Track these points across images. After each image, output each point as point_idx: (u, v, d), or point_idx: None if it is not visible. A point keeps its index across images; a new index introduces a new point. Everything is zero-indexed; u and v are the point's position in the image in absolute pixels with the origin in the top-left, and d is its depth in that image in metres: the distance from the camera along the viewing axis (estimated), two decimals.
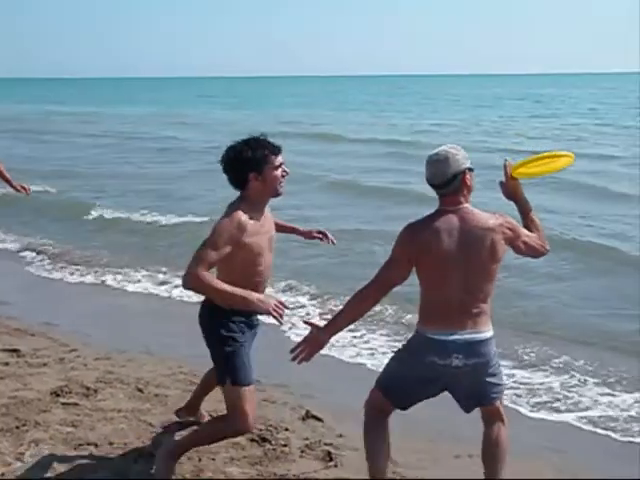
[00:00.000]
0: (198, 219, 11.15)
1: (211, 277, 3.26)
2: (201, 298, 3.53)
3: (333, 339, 3.28)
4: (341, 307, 3.24)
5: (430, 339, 3.08)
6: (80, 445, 3.99)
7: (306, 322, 3.34)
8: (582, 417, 4.82)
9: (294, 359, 3.20)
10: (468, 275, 3.04)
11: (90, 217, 12.07)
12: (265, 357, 5.80)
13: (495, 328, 3.20)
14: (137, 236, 10.72)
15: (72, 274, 8.67)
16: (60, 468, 3.74)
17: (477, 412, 4.43)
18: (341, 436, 4.28)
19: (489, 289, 3.10)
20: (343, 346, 6.07)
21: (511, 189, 3.35)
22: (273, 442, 4.12)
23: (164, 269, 8.61)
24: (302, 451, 4.06)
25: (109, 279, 8.42)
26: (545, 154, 3.43)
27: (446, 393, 3.28)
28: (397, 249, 3.15)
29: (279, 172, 3.36)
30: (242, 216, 3.26)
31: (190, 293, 7.46)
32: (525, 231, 3.24)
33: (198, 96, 73.52)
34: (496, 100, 55.19)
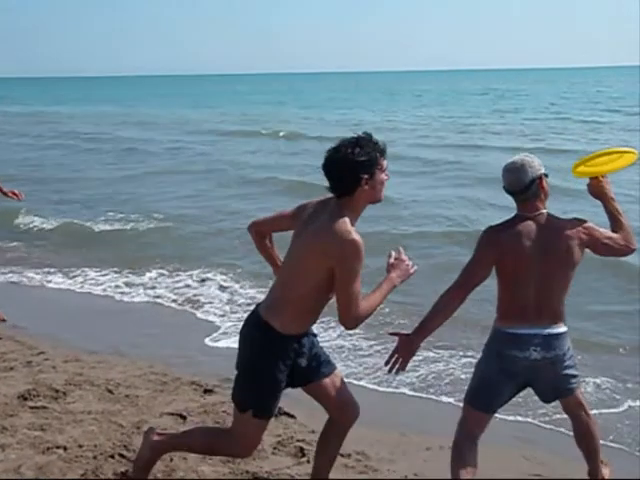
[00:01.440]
0: (163, 223, 11.27)
1: (365, 303, 2.94)
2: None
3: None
4: (429, 311, 3.30)
5: (509, 334, 3.23)
6: (49, 449, 3.93)
7: (392, 333, 3.31)
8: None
9: (391, 370, 3.20)
10: (544, 277, 3.20)
11: (43, 221, 11.77)
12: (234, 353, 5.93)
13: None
14: (101, 238, 10.67)
15: (37, 276, 8.57)
16: (28, 473, 3.68)
17: (442, 406, 4.52)
18: (313, 432, 4.29)
19: (564, 290, 3.27)
20: None
21: (596, 188, 3.39)
22: None
23: (129, 270, 8.61)
24: (274, 448, 4.07)
25: (75, 281, 8.36)
26: (604, 151, 3.43)
27: None
28: (480, 251, 3.29)
29: (385, 176, 3.01)
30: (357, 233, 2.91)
31: (159, 293, 7.75)
32: (605, 233, 3.31)
33: (152, 94, 72.63)
34: (459, 95, 55.66)
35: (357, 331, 6.38)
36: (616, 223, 3.36)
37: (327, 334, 6.30)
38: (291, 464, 3.89)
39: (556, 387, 3.34)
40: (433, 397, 5.15)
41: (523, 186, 3.22)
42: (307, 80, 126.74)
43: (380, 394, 5.16)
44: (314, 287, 2.94)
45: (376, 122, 30.05)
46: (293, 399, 4.79)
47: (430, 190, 13.78)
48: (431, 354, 5.76)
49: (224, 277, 8.30)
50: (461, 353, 5.84)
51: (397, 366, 3.19)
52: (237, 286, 7.96)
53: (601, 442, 3.59)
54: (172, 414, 4.51)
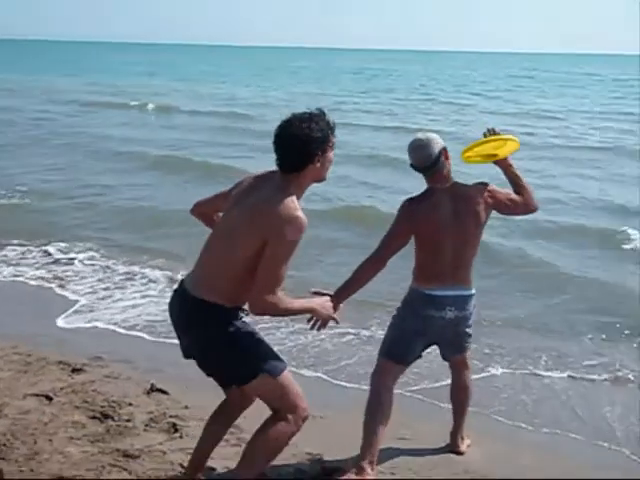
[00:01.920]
0: (27, 196, 10.66)
1: (283, 297, 2.78)
2: None
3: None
4: (350, 277, 3.49)
5: (428, 295, 3.49)
6: None
7: (315, 292, 3.29)
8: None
9: (312, 327, 3.29)
10: (459, 243, 3.48)
11: None
12: (107, 332, 5.77)
13: None
14: None
15: None
16: None
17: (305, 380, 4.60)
18: (187, 407, 4.27)
19: (474, 253, 3.56)
20: None
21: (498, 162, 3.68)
22: (116, 418, 4.03)
23: None
24: (146, 425, 4.01)
25: None
26: (492, 138, 3.59)
27: None
28: (399, 224, 3.51)
29: (332, 154, 2.91)
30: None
31: (22, 270, 7.34)
32: (508, 194, 3.60)
33: (15, 60, 67.85)
34: (334, 73, 56.23)
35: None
36: (517, 187, 3.64)
37: None
38: (163, 440, 3.85)
39: (458, 344, 3.68)
40: (294, 369, 5.16)
41: (433, 160, 3.45)
42: (179, 52, 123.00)
43: None
44: (250, 260, 2.78)
45: (250, 97, 29.83)
46: (166, 375, 4.77)
47: None
48: (297, 326, 5.74)
49: (94, 253, 8.00)
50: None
51: (319, 324, 3.30)
52: (109, 262, 7.70)
53: None
54: (37, 395, 4.31)
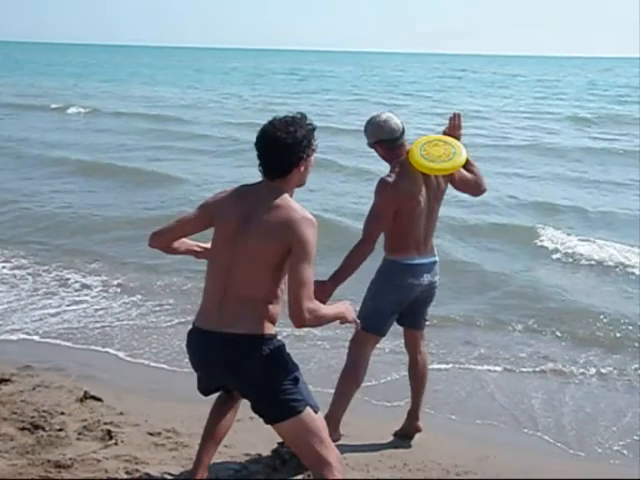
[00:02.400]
0: None
1: (319, 304, 2.72)
2: None
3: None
4: (341, 264, 3.61)
5: (408, 265, 3.71)
6: None
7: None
8: None
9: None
10: (430, 214, 3.75)
11: None
12: (37, 341, 5.59)
13: None
14: None
15: None
16: None
17: None
18: (122, 414, 4.20)
19: (437, 221, 3.86)
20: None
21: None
22: (47, 428, 3.92)
23: None
24: (79, 433, 3.91)
25: None
26: (441, 137, 3.82)
27: None
28: (385, 201, 3.62)
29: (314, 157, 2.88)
30: None
31: None
32: (462, 173, 3.83)
33: None
34: (267, 74, 55.98)
35: (158, 310, 6.37)
36: (472, 167, 3.88)
37: (126, 314, 6.21)
38: (98, 448, 3.77)
39: (423, 313, 3.96)
40: None
41: (402, 128, 3.72)
42: (112, 53, 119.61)
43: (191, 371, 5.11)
44: (278, 275, 2.74)
45: (180, 99, 29.27)
46: (99, 382, 4.69)
47: (232, 170, 13.50)
48: None
49: (24, 260, 7.73)
50: None
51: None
52: (40, 268, 7.44)
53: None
54: None
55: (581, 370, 5.34)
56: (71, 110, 23.81)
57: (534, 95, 36.63)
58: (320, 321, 2.74)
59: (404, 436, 4.07)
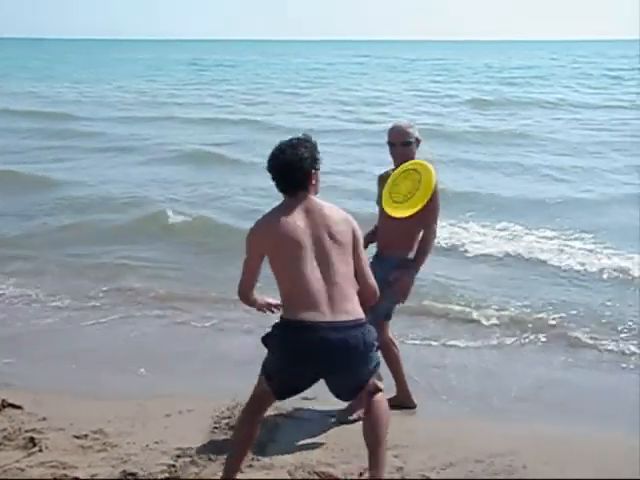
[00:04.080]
0: None
1: None
2: None
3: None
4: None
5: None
6: None
7: None
8: None
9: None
10: None
11: None
12: None
13: None
14: None
15: None
16: None
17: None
18: (44, 419, 4.05)
19: None
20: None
21: None
22: None
23: None
24: (0, 443, 3.76)
25: None
26: (399, 170, 4.03)
27: None
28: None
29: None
30: None
31: None
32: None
33: None
34: (167, 64, 54.44)
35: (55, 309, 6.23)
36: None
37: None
38: (21, 457, 3.63)
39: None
40: None
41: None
42: (11, 46, 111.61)
43: (114, 369, 5.03)
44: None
45: (79, 94, 28.08)
46: (16, 389, 4.51)
47: (125, 169, 12.84)
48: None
49: None
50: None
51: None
52: None
53: None
54: None
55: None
56: None
57: (432, 79, 37.62)
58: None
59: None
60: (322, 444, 3.82)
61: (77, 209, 9.85)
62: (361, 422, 3.22)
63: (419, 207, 3.93)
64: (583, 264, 7.37)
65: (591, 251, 7.82)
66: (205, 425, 3.96)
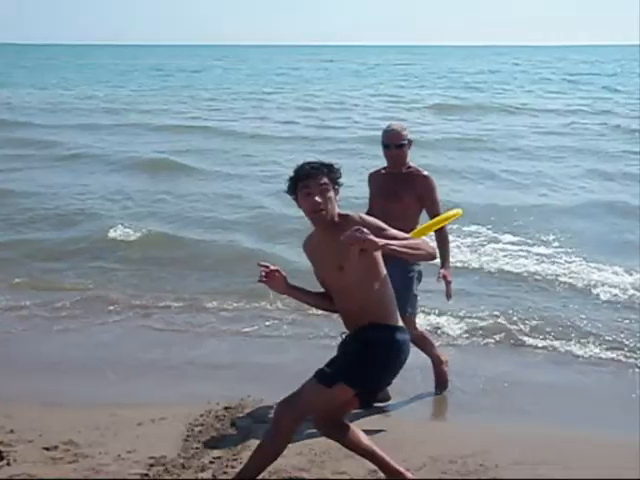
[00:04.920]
0: None
1: None
2: None
3: None
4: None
5: None
6: None
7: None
8: None
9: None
10: None
11: None
12: None
13: None
14: None
15: None
16: None
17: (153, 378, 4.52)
18: (12, 431, 3.96)
19: None
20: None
21: None
22: None
23: None
24: None
25: None
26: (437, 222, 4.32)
27: None
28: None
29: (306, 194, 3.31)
30: None
31: None
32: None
33: None
34: (130, 70, 53.71)
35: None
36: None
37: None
38: None
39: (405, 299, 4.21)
40: None
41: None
42: None
43: (83, 378, 4.97)
44: None
45: (41, 100, 27.20)
46: None
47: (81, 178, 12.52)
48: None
49: None
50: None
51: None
52: None
53: None
54: None
55: None
56: None
57: (397, 84, 37.87)
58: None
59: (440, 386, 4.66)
60: (296, 449, 3.80)
61: (23, 221, 9.56)
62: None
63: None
64: (538, 270, 7.40)
65: (548, 256, 7.86)
66: (178, 433, 3.93)
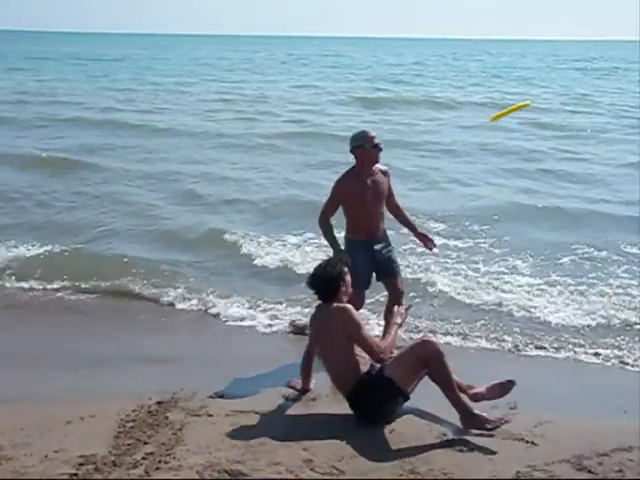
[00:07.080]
0: None
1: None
2: None
3: None
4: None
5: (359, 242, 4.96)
6: None
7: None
8: None
9: None
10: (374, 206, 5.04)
11: None
12: None
13: None
14: None
15: None
16: None
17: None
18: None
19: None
20: None
21: None
22: None
23: None
24: None
25: None
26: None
27: None
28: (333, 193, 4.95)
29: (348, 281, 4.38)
30: None
31: None
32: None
33: None
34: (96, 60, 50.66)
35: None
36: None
37: None
38: None
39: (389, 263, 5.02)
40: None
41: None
42: None
43: (4, 375, 4.77)
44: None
45: None
46: None
47: None
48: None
49: None
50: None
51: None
52: None
53: None
54: None
55: None
56: None
57: (325, 75, 37.83)
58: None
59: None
60: (231, 442, 3.76)
61: None
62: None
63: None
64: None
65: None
66: (109, 429, 3.81)
